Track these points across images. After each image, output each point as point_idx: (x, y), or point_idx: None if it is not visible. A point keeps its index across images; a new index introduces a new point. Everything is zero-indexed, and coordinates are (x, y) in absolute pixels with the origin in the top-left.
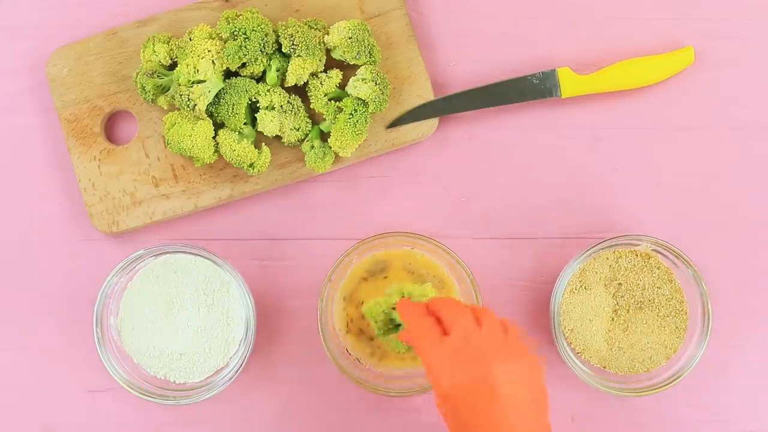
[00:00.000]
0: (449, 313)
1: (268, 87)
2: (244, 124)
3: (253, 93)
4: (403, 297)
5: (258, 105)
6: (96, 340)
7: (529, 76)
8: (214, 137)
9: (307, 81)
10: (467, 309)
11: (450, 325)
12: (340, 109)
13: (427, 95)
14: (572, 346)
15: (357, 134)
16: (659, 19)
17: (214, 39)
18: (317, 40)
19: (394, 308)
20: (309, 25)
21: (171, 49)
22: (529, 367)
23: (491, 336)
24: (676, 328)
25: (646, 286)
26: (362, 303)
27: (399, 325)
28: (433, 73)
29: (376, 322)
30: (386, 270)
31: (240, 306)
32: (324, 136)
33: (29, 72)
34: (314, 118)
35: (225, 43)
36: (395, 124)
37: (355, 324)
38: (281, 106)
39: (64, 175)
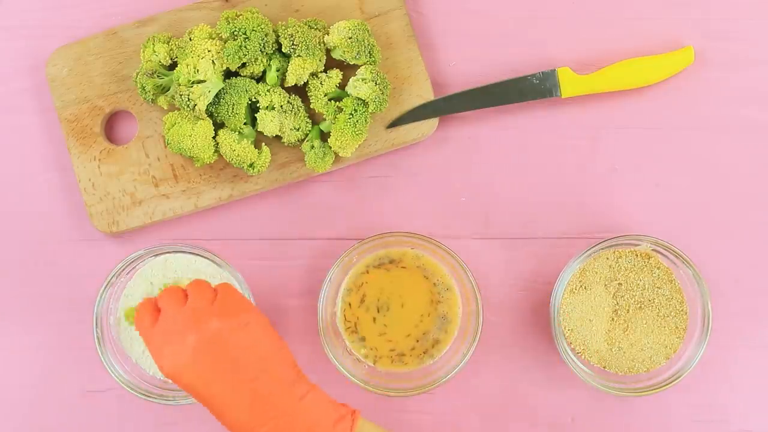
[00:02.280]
0: (162, 296)
1: (268, 87)
2: (244, 124)
3: (253, 93)
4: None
5: (258, 105)
6: (96, 340)
7: (529, 76)
8: (214, 137)
9: (307, 81)
10: (176, 288)
11: (161, 305)
12: (340, 109)
13: (427, 95)
14: (572, 346)
15: (357, 134)
16: (659, 19)
17: (214, 39)
18: (317, 40)
19: None
20: (309, 25)
21: (171, 49)
22: (251, 320)
23: (199, 302)
24: (676, 328)
25: (646, 286)
26: (362, 303)
27: None
28: (433, 73)
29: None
30: (386, 270)
31: None
32: (324, 136)
33: (29, 72)
34: (314, 118)
35: (225, 43)
36: (395, 124)
37: (354, 324)
38: (281, 106)
39: (64, 175)
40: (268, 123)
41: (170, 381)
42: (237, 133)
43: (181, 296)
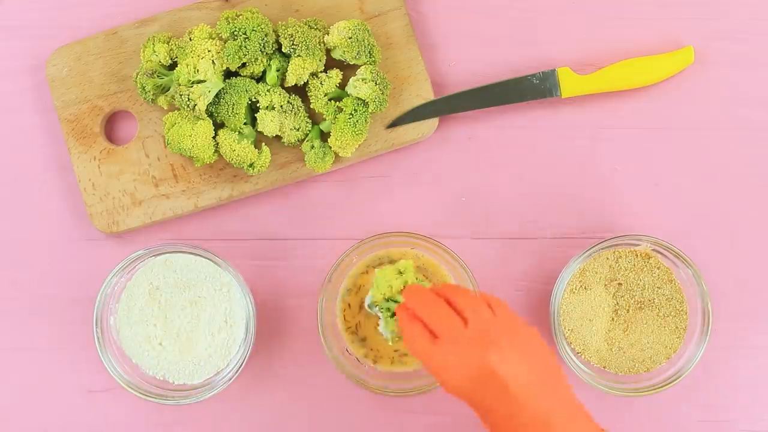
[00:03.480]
0: (437, 313)
1: (268, 87)
2: (244, 124)
3: (253, 93)
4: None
5: (258, 105)
6: (96, 340)
7: (529, 76)
8: (214, 137)
9: (307, 81)
10: (447, 300)
11: (438, 327)
12: (340, 109)
13: (427, 95)
14: (572, 346)
15: (357, 134)
16: (659, 19)
17: (214, 39)
18: (317, 40)
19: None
20: (309, 25)
21: (171, 49)
22: (525, 341)
23: (481, 325)
24: (676, 328)
25: (646, 286)
26: (362, 304)
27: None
28: (433, 73)
29: (380, 297)
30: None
31: (240, 306)
32: (324, 136)
33: (29, 72)
34: (314, 118)
35: (225, 43)
36: (395, 124)
37: (354, 324)
38: (281, 106)
39: (64, 175)
40: (268, 123)
41: (170, 381)
42: (237, 133)
43: (458, 318)
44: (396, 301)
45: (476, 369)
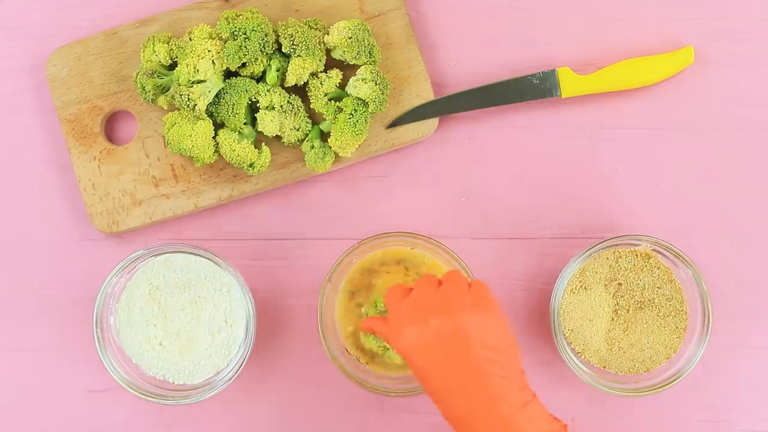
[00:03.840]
0: (417, 281)
1: (268, 87)
2: (244, 124)
3: (253, 93)
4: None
5: (258, 105)
6: (96, 340)
7: (529, 76)
8: (214, 137)
9: (307, 81)
10: (432, 276)
11: (413, 288)
12: (340, 109)
13: (427, 95)
14: (572, 346)
15: (357, 134)
16: (659, 19)
17: (214, 39)
18: (317, 40)
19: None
20: (309, 25)
21: (171, 49)
22: (495, 320)
23: (453, 291)
24: (676, 328)
25: (646, 286)
26: (361, 303)
27: None
28: (433, 73)
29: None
30: (387, 269)
31: (240, 306)
32: (324, 136)
33: (29, 72)
34: (314, 118)
35: (225, 43)
36: (395, 124)
37: (354, 323)
38: (281, 106)
39: (64, 175)
40: (268, 123)
41: (170, 381)
42: (237, 133)
43: (435, 282)
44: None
45: (441, 330)
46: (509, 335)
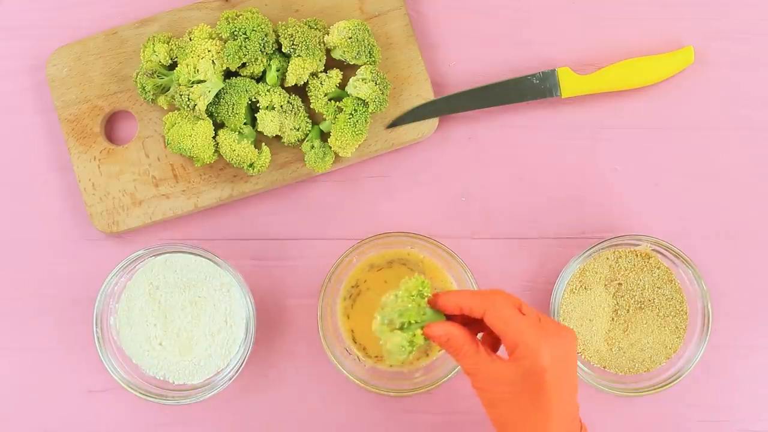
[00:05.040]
0: (489, 303)
1: (268, 87)
2: (244, 124)
3: (253, 93)
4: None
5: (258, 105)
6: (96, 340)
7: (529, 76)
8: (214, 137)
9: (307, 81)
10: (504, 299)
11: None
12: (340, 109)
13: (427, 95)
14: None
15: (357, 134)
16: (659, 19)
17: (214, 39)
18: (317, 40)
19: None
20: (309, 25)
21: (171, 49)
22: (565, 343)
23: (534, 321)
24: (676, 328)
25: (646, 286)
26: (360, 300)
27: (410, 323)
28: (433, 73)
29: (388, 319)
30: (387, 270)
31: (240, 306)
32: (324, 136)
33: (29, 72)
34: (314, 118)
35: (225, 43)
36: (395, 124)
37: (354, 323)
38: (281, 106)
39: (64, 175)
40: (268, 123)
41: (171, 381)
42: (237, 133)
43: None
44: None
45: (557, 349)
46: (574, 358)
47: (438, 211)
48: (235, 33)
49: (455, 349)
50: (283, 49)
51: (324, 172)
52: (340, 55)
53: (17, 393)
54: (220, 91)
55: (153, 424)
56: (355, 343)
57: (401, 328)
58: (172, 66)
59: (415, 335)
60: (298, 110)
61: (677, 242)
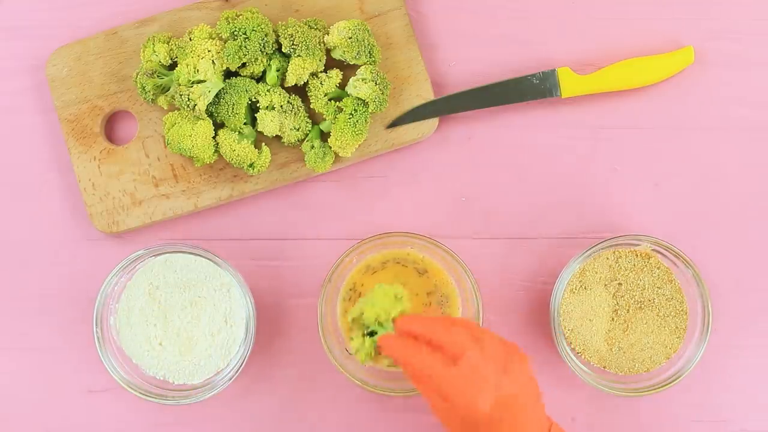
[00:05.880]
0: (444, 337)
1: (268, 87)
2: (244, 124)
3: (253, 93)
4: (380, 325)
5: (258, 105)
6: (96, 340)
7: (529, 76)
8: (214, 137)
9: (307, 81)
10: (461, 328)
11: (453, 348)
12: (340, 109)
13: (427, 95)
14: (572, 346)
15: (357, 134)
16: (659, 19)
17: (214, 39)
18: (317, 40)
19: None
20: (309, 25)
21: (171, 49)
22: (522, 367)
23: (495, 354)
24: (676, 328)
25: (646, 286)
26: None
27: (373, 332)
28: (433, 73)
29: (373, 317)
30: (387, 270)
31: (240, 306)
32: (324, 136)
33: (29, 72)
34: (314, 118)
35: (225, 43)
36: (395, 124)
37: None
38: (281, 106)
39: (64, 175)
40: (268, 123)
41: (171, 381)
42: (237, 133)
43: (470, 339)
44: (381, 327)
45: (499, 391)
46: (532, 376)
47: (438, 211)
48: (235, 33)
49: (399, 361)
50: (283, 49)
51: (324, 172)
52: (340, 55)
53: (17, 393)
54: (220, 91)
55: (153, 424)
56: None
57: (367, 334)
58: (172, 66)
59: (372, 342)
60: (298, 110)
61: (677, 242)
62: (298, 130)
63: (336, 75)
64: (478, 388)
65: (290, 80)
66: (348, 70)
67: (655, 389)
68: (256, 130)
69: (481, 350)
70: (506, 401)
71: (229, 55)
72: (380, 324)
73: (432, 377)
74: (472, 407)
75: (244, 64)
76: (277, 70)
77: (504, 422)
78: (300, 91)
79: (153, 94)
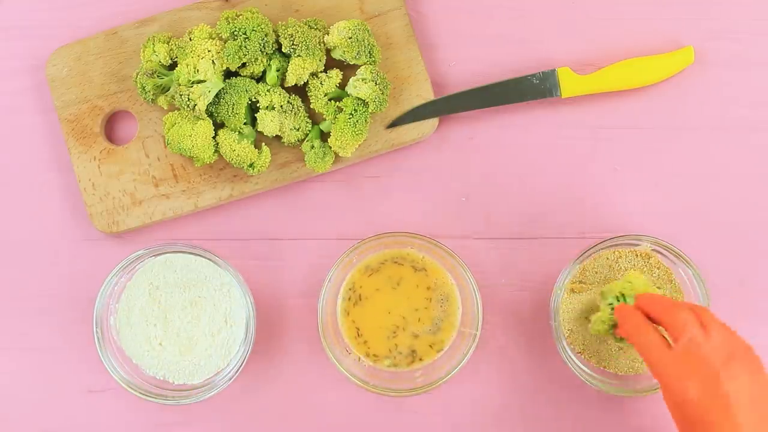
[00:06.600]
0: (672, 318)
1: (268, 87)
2: (244, 124)
3: (253, 93)
4: (618, 302)
5: (258, 105)
6: (96, 340)
7: (529, 76)
8: (214, 137)
9: (307, 81)
10: (690, 313)
11: (675, 332)
12: (340, 109)
13: (427, 95)
14: (572, 346)
15: (357, 134)
16: (659, 19)
17: (214, 39)
18: (317, 40)
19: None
20: (309, 25)
21: (171, 49)
22: (750, 368)
23: (720, 346)
24: None
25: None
26: (363, 302)
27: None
28: (433, 73)
29: (603, 314)
30: (386, 270)
31: (240, 306)
32: (324, 136)
33: (29, 72)
34: (314, 118)
35: (225, 43)
36: (395, 124)
37: (354, 324)
38: (281, 106)
39: (64, 175)
40: (268, 123)
41: (170, 381)
42: (237, 133)
43: (699, 325)
44: (624, 299)
45: (706, 392)
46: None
47: (438, 211)
48: (235, 33)
49: (627, 334)
50: (283, 49)
51: (324, 172)
52: (340, 55)
53: (17, 393)
54: (220, 91)
55: (153, 424)
56: (355, 342)
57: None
58: (172, 66)
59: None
60: (298, 110)
61: (677, 242)
62: (298, 130)
63: (336, 75)
64: (686, 374)
65: (290, 80)
66: (348, 70)
67: (655, 389)
68: (256, 130)
69: (704, 338)
70: (718, 397)
71: (229, 55)
72: (623, 297)
73: (650, 359)
74: (679, 393)
75: (244, 64)
76: (277, 70)
77: (714, 424)
78: (300, 91)
79: (153, 94)
